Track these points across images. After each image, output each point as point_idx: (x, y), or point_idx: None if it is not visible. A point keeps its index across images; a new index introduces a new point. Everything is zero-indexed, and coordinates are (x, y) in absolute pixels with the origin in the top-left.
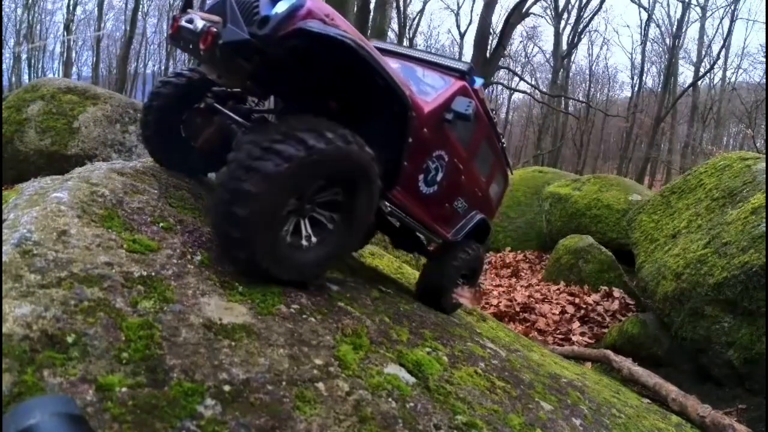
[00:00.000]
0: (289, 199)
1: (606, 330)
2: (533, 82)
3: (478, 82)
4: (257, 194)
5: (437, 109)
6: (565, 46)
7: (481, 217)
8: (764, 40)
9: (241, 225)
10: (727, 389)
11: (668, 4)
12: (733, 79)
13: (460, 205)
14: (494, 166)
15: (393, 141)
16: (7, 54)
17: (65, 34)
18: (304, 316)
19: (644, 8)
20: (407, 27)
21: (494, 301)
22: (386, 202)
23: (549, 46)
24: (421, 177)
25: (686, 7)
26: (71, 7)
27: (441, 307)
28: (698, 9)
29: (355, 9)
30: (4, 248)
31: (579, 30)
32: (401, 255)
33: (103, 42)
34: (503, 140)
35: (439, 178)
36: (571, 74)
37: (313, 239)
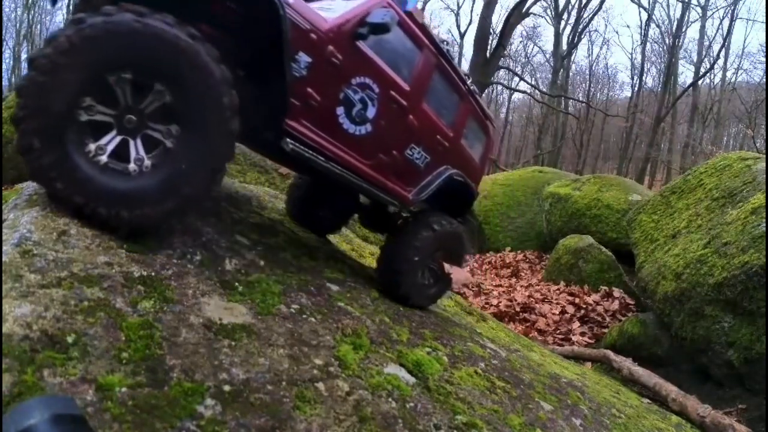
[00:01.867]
0: (71, 94)
1: (606, 330)
2: (533, 82)
3: (412, 2)
4: (26, 88)
5: (345, 24)
6: (565, 46)
7: (453, 173)
8: (764, 40)
9: (21, 130)
10: (727, 389)
11: (668, 4)
12: (733, 80)
13: (418, 156)
14: (462, 112)
15: (271, 55)
16: (7, 54)
17: None
18: (304, 316)
19: (644, 8)
20: None
21: (494, 301)
22: (288, 139)
23: (549, 46)
24: (340, 111)
25: (686, 7)
26: (71, 7)
27: (404, 297)
28: (698, 9)
29: None
30: (4, 248)
31: (579, 30)
32: None
33: None
34: (470, 83)
35: (370, 114)
36: (571, 74)
37: (148, 162)
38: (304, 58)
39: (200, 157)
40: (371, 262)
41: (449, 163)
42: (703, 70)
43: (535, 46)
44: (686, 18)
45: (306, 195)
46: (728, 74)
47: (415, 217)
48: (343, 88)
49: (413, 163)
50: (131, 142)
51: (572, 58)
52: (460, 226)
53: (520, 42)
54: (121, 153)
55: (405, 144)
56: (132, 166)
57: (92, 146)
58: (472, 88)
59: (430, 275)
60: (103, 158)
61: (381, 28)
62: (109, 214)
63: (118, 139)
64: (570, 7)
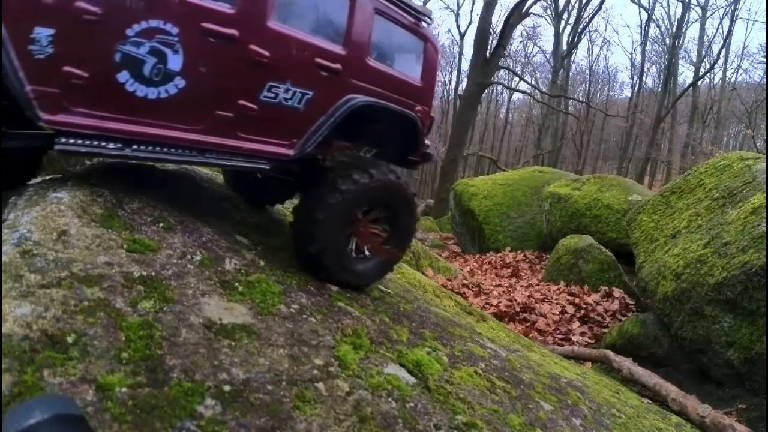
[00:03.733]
0: None
1: (606, 330)
2: (533, 82)
3: None
4: None
5: None
6: (565, 46)
7: (364, 103)
8: (764, 40)
9: None
10: (727, 389)
11: (668, 4)
12: (733, 79)
13: (288, 95)
14: (358, 18)
15: None
16: None
17: None
18: (304, 316)
19: (644, 8)
20: None
21: (494, 301)
22: (60, 138)
23: (549, 46)
24: (124, 76)
25: (686, 7)
26: None
27: (329, 276)
28: (698, 9)
29: None
30: (4, 248)
31: (579, 30)
32: None
33: None
34: None
35: (175, 65)
36: (571, 74)
37: None
38: (43, 32)
39: None
40: None
41: (353, 91)
42: (703, 70)
43: (535, 46)
44: (686, 18)
45: None
46: (728, 74)
47: (335, 166)
48: (116, 47)
49: (283, 107)
50: None
51: (572, 58)
52: (399, 176)
53: (520, 42)
54: None
55: (256, 85)
56: None
57: None
58: None
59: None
60: None
61: None
62: None
63: None
64: (570, 7)
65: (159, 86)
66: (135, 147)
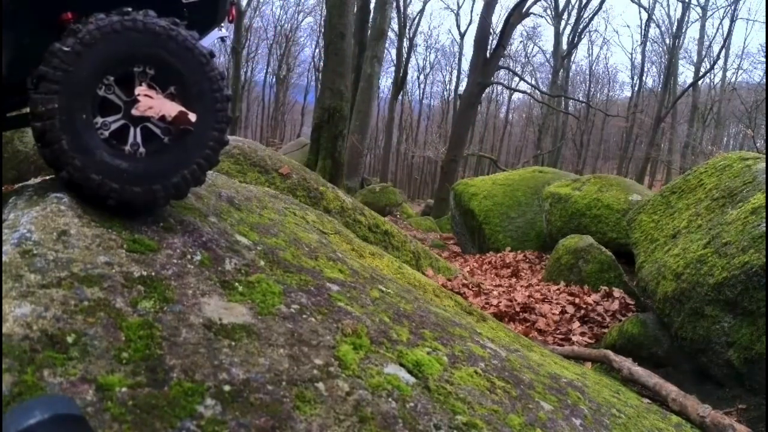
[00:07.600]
0: None
1: (606, 330)
2: (533, 82)
3: None
4: None
5: None
6: (565, 46)
7: None
8: (764, 40)
9: None
10: (727, 389)
11: (668, 4)
12: (733, 80)
13: None
14: None
15: None
16: None
17: None
18: (304, 316)
19: (644, 8)
20: (407, 27)
21: (494, 301)
22: None
23: (549, 46)
24: None
25: (686, 7)
26: None
27: (93, 190)
28: (698, 9)
29: (355, 9)
30: (4, 248)
31: (579, 30)
32: (401, 255)
33: None
34: None
35: None
36: (571, 74)
37: None
38: None
39: None
40: (371, 262)
41: None
42: (703, 70)
43: (535, 46)
44: (686, 18)
45: None
46: (728, 74)
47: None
48: None
49: None
50: None
51: (572, 58)
52: (148, 15)
53: (520, 42)
54: None
55: None
56: None
57: None
58: None
59: (134, 133)
60: None
61: None
62: None
63: None
64: (570, 7)
65: None
66: None
